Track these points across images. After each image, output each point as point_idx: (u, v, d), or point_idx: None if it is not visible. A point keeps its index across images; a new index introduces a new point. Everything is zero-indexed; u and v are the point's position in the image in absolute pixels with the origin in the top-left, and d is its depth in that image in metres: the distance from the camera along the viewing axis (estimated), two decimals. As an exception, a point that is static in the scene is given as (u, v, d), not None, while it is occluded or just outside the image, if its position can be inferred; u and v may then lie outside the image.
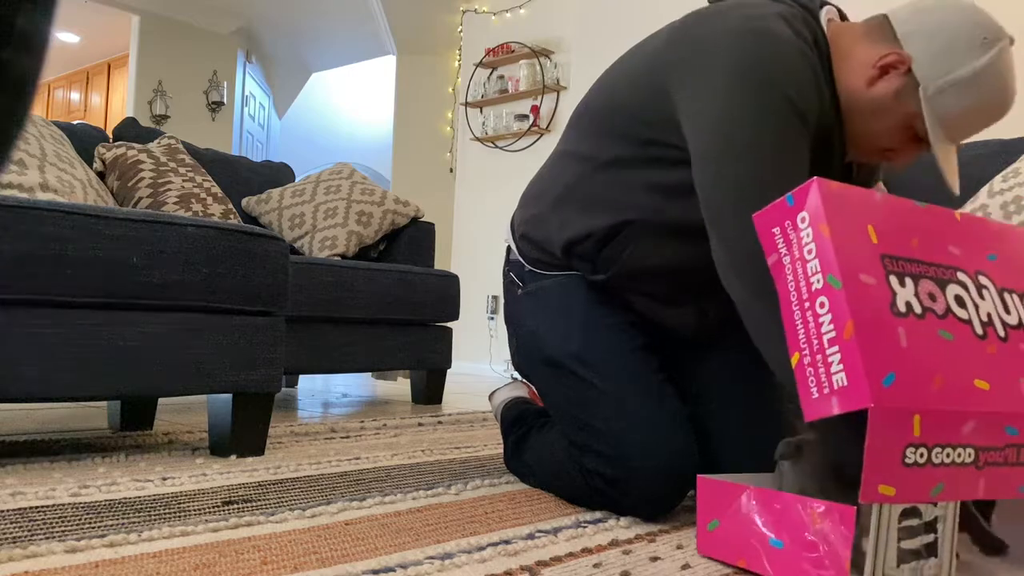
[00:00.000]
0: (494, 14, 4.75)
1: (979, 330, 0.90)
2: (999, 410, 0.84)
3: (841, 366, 0.80)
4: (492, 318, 4.56)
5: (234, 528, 1.03)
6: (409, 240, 2.93)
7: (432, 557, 0.94)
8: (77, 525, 1.00)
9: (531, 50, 4.39)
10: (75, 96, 7.32)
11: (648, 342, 1.27)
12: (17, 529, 0.97)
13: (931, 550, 0.85)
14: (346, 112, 8.23)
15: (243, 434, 1.55)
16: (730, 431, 1.24)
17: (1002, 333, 0.92)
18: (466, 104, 4.80)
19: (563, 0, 4.39)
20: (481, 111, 4.77)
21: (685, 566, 0.95)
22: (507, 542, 1.01)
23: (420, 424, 2.20)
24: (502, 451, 1.60)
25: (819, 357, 0.82)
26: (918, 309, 0.86)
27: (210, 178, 2.58)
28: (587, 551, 0.99)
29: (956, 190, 1.09)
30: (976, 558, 0.99)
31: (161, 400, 2.51)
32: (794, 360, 0.85)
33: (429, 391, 2.76)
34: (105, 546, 0.92)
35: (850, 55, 1.10)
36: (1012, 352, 0.92)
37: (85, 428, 1.88)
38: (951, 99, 1.03)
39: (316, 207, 2.76)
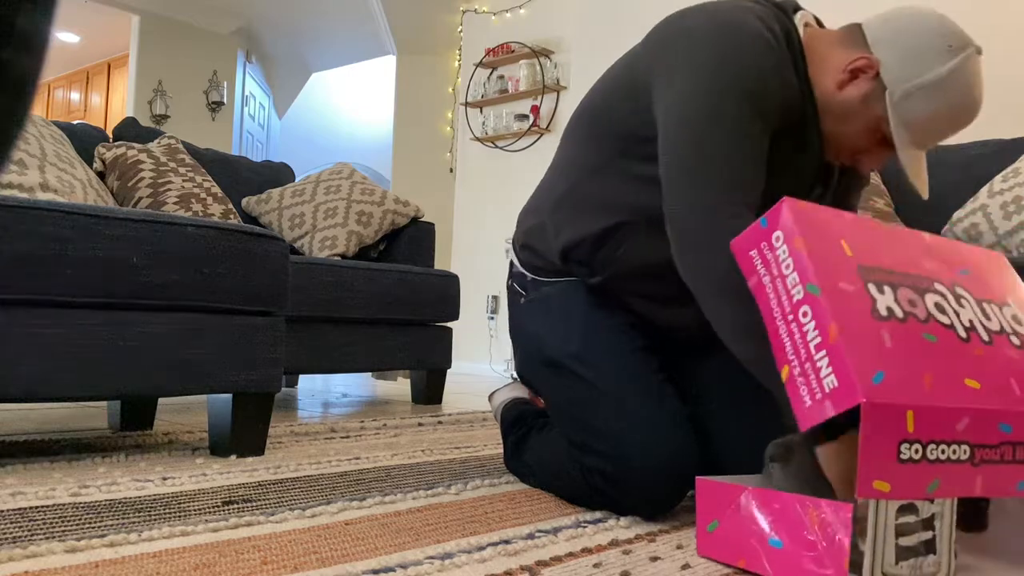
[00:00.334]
0: (494, 14, 4.75)
1: (963, 334, 0.92)
2: (992, 407, 0.84)
3: (830, 369, 0.80)
4: (492, 318, 4.56)
5: (234, 528, 1.03)
6: (409, 240, 2.93)
7: (432, 557, 0.94)
8: (77, 525, 1.01)
9: (531, 50, 4.39)
10: (75, 96, 7.32)
11: (648, 343, 1.27)
12: (17, 529, 0.97)
13: (929, 547, 0.85)
14: (346, 112, 8.23)
15: (243, 434, 1.55)
16: (731, 431, 1.24)
17: (986, 338, 0.93)
18: (466, 104, 4.80)
19: (563, 0, 4.39)
20: (481, 111, 4.77)
21: (685, 566, 0.95)
22: (507, 542, 1.01)
23: (420, 424, 2.21)
24: (502, 451, 1.60)
25: (808, 365, 0.83)
26: (900, 313, 0.88)
27: (210, 178, 2.58)
28: (587, 551, 0.99)
29: (924, 194, 1.12)
30: (976, 558, 0.99)
31: (161, 400, 2.51)
32: (784, 374, 0.86)
33: (429, 391, 2.77)
34: (105, 546, 0.92)
35: (823, 59, 1.13)
36: (999, 354, 0.92)
37: (85, 428, 1.88)
38: (917, 104, 1.06)
39: (316, 207, 2.76)
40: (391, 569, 0.88)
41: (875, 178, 2.25)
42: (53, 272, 1.28)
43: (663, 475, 1.14)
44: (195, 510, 1.11)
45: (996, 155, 2.20)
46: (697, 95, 1.08)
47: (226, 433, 1.54)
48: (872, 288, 0.88)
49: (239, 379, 1.50)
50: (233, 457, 1.53)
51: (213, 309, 1.48)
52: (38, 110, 7.54)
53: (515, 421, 1.49)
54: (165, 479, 1.30)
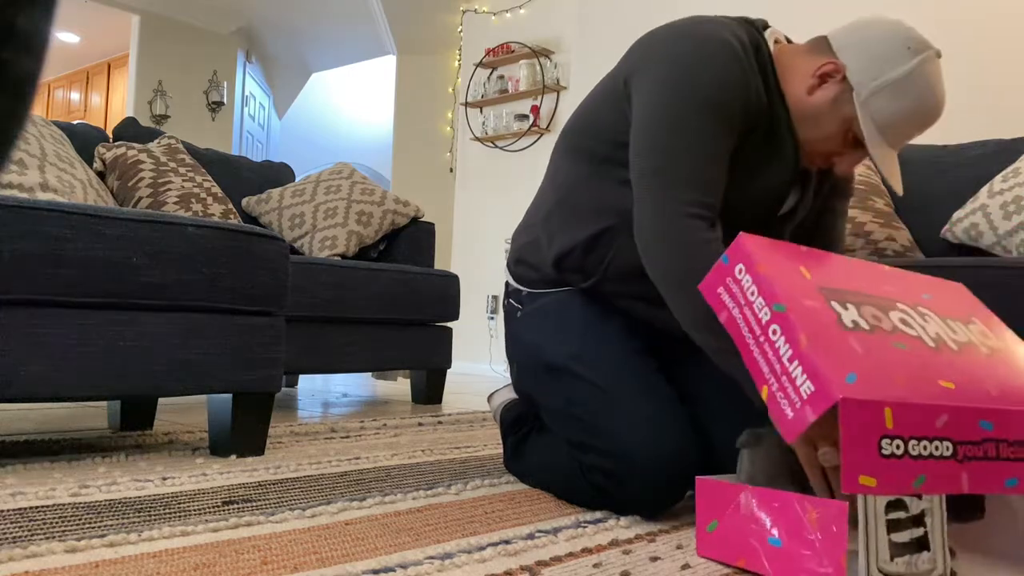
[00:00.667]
0: (494, 14, 4.75)
1: (931, 343, 0.95)
2: (971, 405, 0.86)
3: (805, 376, 0.83)
4: (492, 318, 4.56)
5: (234, 528, 1.03)
6: (409, 240, 2.93)
7: (432, 557, 0.94)
8: (77, 525, 1.01)
9: (531, 50, 4.39)
10: (75, 96, 7.32)
11: (645, 345, 1.29)
12: (17, 529, 0.97)
13: (922, 544, 0.86)
14: (346, 112, 8.23)
15: (243, 434, 1.55)
16: (730, 431, 1.24)
17: (955, 347, 0.96)
18: (466, 104, 4.80)
19: (563, 0, 4.39)
20: (481, 111, 4.77)
21: (685, 566, 0.95)
22: (507, 542, 1.02)
23: (420, 424, 2.21)
24: (502, 451, 1.60)
25: (784, 379, 0.86)
26: (866, 326, 0.92)
27: (210, 178, 2.58)
28: (587, 551, 0.99)
29: (899, 191, 1.17)
30: (975, 557, 0.99)
31: (161, 400, 2.51)
32: (764, 393, 0.88)
33: (429, 391, 2.77)
34: (105, 546, 0.92)
35: (793, 68, 1.20)
36: (970, 360, 0.95)
37: (85, 428, 1.88)
38: (883, 101, 1.11)
39: (316, 207, 2.76)
40: (391, 569, 0.88)
41: (875, 178, 2.25)
42: (53, 272, 1.28)
43: (664, 472, 1.14)
44: (195, 510, 1.11)
45: (996, 155, 2.20)
46: (661, 104, 1.15)
47: (226, 433, 1.54)
48: (836, 304, 0.93)
49: (239, 379, 1.50)
50: (233, 457, 1.53)
51: (213, 309, 1.48)
52: (38, 110, 7.54)
53: (515, 422, 1.50)
54: (165, 479, 1.30)
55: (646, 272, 1.23)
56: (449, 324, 2.77)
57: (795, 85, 1.18)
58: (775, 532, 0.91)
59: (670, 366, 1.31)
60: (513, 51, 4.49)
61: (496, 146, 4.65)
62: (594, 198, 1.27)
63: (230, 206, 2.53)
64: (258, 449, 1.57)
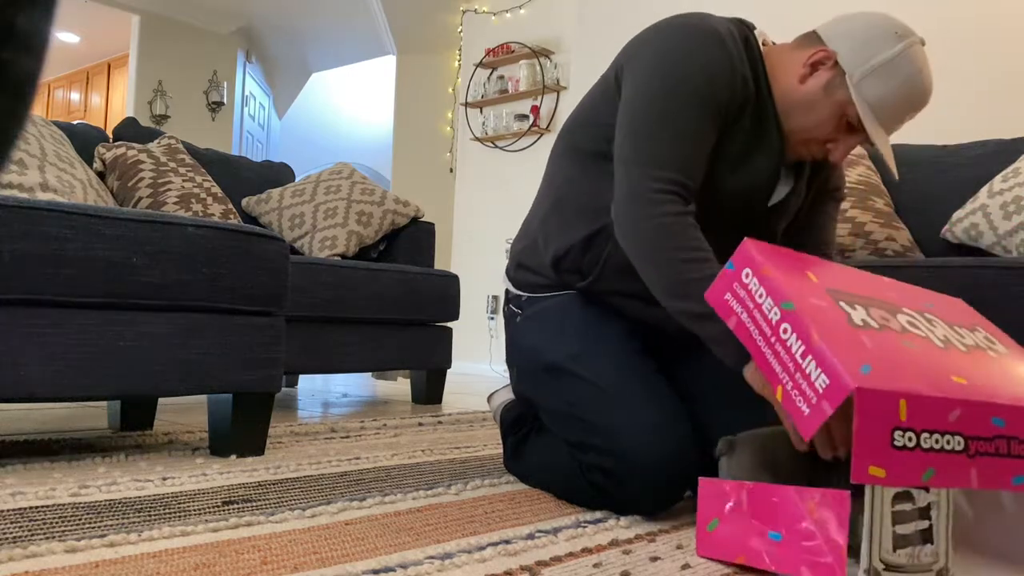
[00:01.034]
0: (494, 14, 4.75)
1: (940, 344, 0.95)
2: (984, 400, 0.86)
3: (819, 370, 0.83)
4: (492, 318, 4.56)
5: (234, 528, 1.03)
6: (409, 240, 2.92)
7: (432, 557, 0.94)
8: (77, 525, 1.01)
9: (531, 50, 4.39)
10: (75, 96, 7.32)
11: (646, 346, 1.30)
12: (17, 529, 0.97)
13: (926, 536, 0.86)
14: (346, 112, 8.23)
15: (243, 434, 1.55)
16: (731, 431, 1.24)
17: (963, 349, 0.96)
18: (466, 104, 4.80)
19: (563, 0, 4.39)
20: (481, 111, 4.77)
21: (685, 566, 0.95)
22: (507, 542, 1.02)
23: (420, 424, 2.21)
24: (502, 452, 1.60)
25: (798, 376, 0.86)
26: (875, 324, 0.92)
27: (210, 178, 2.58)
28: (587, 551, 0.99)
29: (896, 175, 1.21)
30: (974, 556, 0.99)
31: (161, 400, 2.51)
32: (779, 394, 0.88)
33: (429, 391, 2.76)
34: (105, 546, 0.92)
35: (783, 62, 1.23)
36: (979, 361, 0.95)
37: (85, 428, 1.88)
38: (876, 82, 1.14)
39: (316, 207, 2.76)
40: (391, 569, 0.88)
41: (875, 178, 2.25)
42: (53, 272, 1.28)
43: (664, 472, 1.14)
44: (195, 510, 1.11)
45: (996, 155, 2.20)
46: (646, 92, 1.18)
47: (226, 433, 1.54)
48: (844, 305, 0.94)
49: (239, 379, 1.50)
50: (233, 457, 1.53)
51: (213, 309, 1.48)
52: (38, 110, 7.54)
53: (515, 422, 1.50)
54: (165, 479, 1.30)
55: None
56: (449, 324, 2.77)
57: (786, 77, 1.21)
58: (775, 526, 0.91)
59: (670, 366, 1.31)
60: (513, 51, 4.48)
61: (496, 146, 4.65)
62: (591, 197, 1.27)
63: (230, 206, 2.53)
64: (258, 449, 1.57)
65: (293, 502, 1.19)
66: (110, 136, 2.60)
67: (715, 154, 1.20)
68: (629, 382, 1.21)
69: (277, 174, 3.06)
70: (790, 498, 0.90)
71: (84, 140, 2.45)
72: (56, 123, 2.31)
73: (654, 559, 0.97)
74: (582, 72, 4.24)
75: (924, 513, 0.86)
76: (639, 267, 1.16)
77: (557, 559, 0.95)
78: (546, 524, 1.13)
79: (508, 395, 1.61)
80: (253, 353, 1.52)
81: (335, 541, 0.99)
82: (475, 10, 4.88)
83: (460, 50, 5.01)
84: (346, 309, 2.36)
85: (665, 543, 1.05)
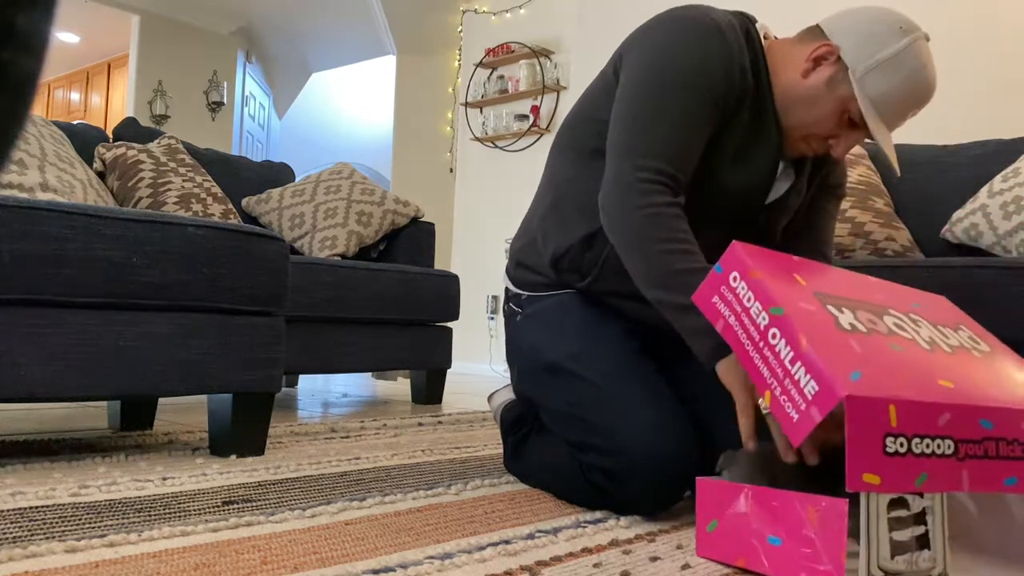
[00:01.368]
0: (494, 14, 4.75)
1: (926, 346, 0.96)
2: (972, 403, 0.86)
3: (808, 376, 0.83)
4: (492, 318, 4.56)
5: (234, 528, 1.03)
6: (409, 240, 2.92)
7: (432, 557, 0.94)
8: (77, 525, 1.01)
9: (531, 50, 4.39)
10: (75, 96, 7.32)
11: (645, 346, 1.29)
12: (17, 529, 0.97)
13: (923, 542, 0.86)
14: (346, 112, 8.23)
15: (243, 434, 1.55)
16: (729, 431, 1.24)
17: (948, 350, 0.97)
18: (466, 104, 4.80)
19: (563, 0, 4.39)
20: (481, 111, 4.77)
21: (685, 566, 0.95)
22: (507, 542, 1.02)
23: (420, 424, 2.21)
24: (502, 452, 1.60)
25: (787, 381, 0.86)
26: (863, 328, 0.92)
27: (210, 178, 2.58)
28: (587, 551, 0.99)
29: (898, 171, 1.20)
30: (973, 558, 0.99)
31: (161, 400, 2.51)
32: (767, 400, 0.88)
33: (429, 391, 2.76)
34: (105, 546, 0.92)
35: (785, 57, 1.22)
36: (964, 362, 0.95)
37: (85, 428, 1.88)
38: (878, 79, 1.13)
39: (316, 207, 2.76)
40: (391, 569, 0.88)
41: (875, 178, 2.25)
42: (53, 272, 1.28)
43: (664, 472, 1.14)
44: (195, 510, 1.11)
45: (996, 155, 2.20)
46: (641, 84, 1.18)
47: (226, 433, 1.54)
48: (832, 308, 0.93)
49: (239, 379, 1.50)
50: (233, 457, 1.53)
51: (213, 309, 1.48)
52: (38, 110, 7.54)
53: (515, 422, 1.50)
54: (165, 479, 1.30)
55: None
56: (449, 324, 2.77)
57: (788, 72, 1.20)
58: (774, 531, 0.91)
59: (670, 366, 1.31)
60: (513, 51, 4.48)
61: (496, 146, 4.65)
62: (590, 196, 1.27)
63: (230, 206, 2.53)
64: (258, 449, 1.57)
65: (293, 502, 1.19)
66: (110, 136, 2.60)
67: (712, 149, 1.20)
68: (629, 382, 1.21)
69: (277, 174, 3.06)
70: (790, 504, 0.90)
71: (84, 140, 2.45)
72: (56, 123, 2.31)
73: (654, 559, 0.97)
74: (582, 72, 4.23)
75: (920, 518, 0.86)
76: (624, 256, 1.16)
77: (557, 559, 0.95)
78: (546, 524, 1.13)
79: (508, 395, 1.61)
80: (253, 353, 1.52)
81: (335, 541, 0.99)
82: (475, 10, 4.88)
83: (460, 50, 5.01)
84: (346, 309, 2.36)
85: (665, 543, 1.05)
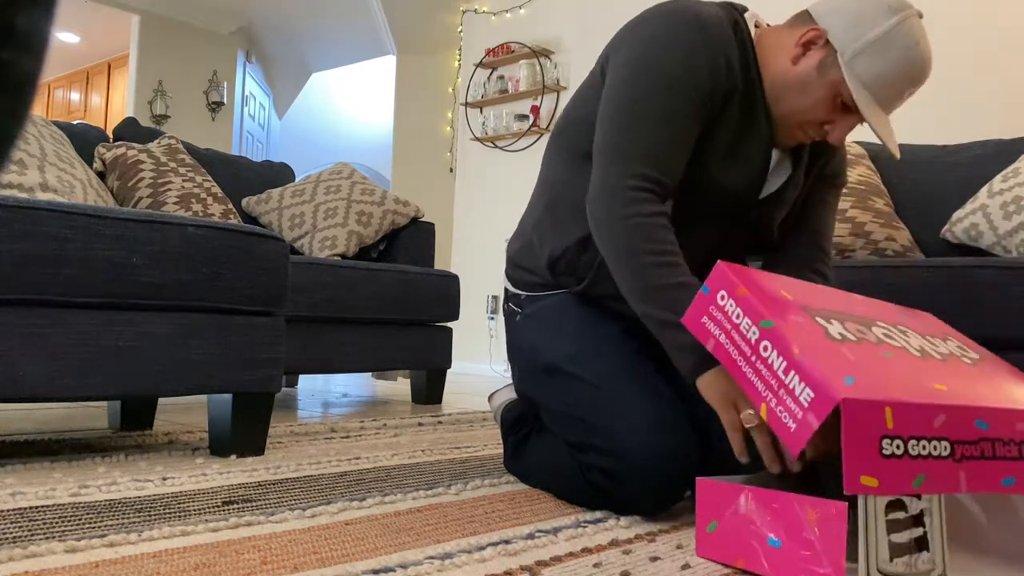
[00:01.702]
0: (494, 14, 4.75)
1: (916, 353, 0.96)
2: (967, 404, 0.86)
3: (803, 384, 0.83)
4: (492, 318, 4.56)
5: (234, 528, 1.03)
6: (409, 240, 2.92)
7: (432, 557, 0.94)
8: (77, 525, 1.01)
9: (531, 50, 4.39)
10: (75, 96, 7.32)
11: (645, 346, 1.28)
12: (17, 529, 0.97)
13: (921, 544, 0.86)
14: (346, 112, 8.23)
15: (243, 434, 1.55)
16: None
17: (939, 357, 0.98)
18: (466, 104, 4.80)
19: (563, 0, 4.39)
20: (481, 111, 4.77)
21: (685, 566, 0.95)
22: (507, 542, 1.02)
23: (420, 424, 2.21)
24: (502, 452, 1.60)
25: (782, 392, 0.86)
26: (853, 338, 0.93)
27: (210, 178, 2.58)
28: (587, 551, 0.99)
29: (896, 153, 1.16)
30: (974, 558, 0.99)
31: (161, 400, 2.51)
32: (763, 412, 0.89)
33: (429, 391, 2.76)
34: (105, 546, 0.92)
35: (775, 44, 1.20)
36: (955, 368, 0.96)
37: (85, 428, 1.88)
38: (868, 61, 1.11)
39: (316, 207, 2.76)
40: (391, 569, 0.88)
41: (875, 178, 2.25)
42: (53, 272, 1.28)
43: (663, 472, 1.14)
44: (195, 510, 1.11)
45: (996, 155, 2.20)
46: (626, 83, 1.17)
47: (226, 433, 1.54)
48: (820, 320, 0.94)
49: (239, 379, 1.50)
50: (233, 457, 1.53)
51: (213, 309, 1.48)
52: (38, 110, 7.54)
53: (515, 422, 1.50)
54: (165, 479, 1.30)
55: None
56: (449, 324, 2.77)
57: (778, 59, 1.19)
58: (774, 533, 0.91)
59: (669, 366, 1.30)
60: (513, 51, 4.48)
61: (496, 146, 4.65)
62: (583, 198, 1.26)
63: (230, 206, 2.53)
64: (258, 449, 1.57)
65: (293, 502, 1.19)
66: (110, 136, 2.60)
67: (703, 146, 1.19)
68: (628, 382, 1.21)
69: (277, 174, 3.06)
70: (790, 506, 0.90)
71: (84, 140, 2.45)
72: (56, 123, 2.31)
73: (654, 559, 0.97)
74: (582, 72, 4.23)
75: (918, 520, 0.86)
76: (610, 265, 1.16)
77: (557, 559, 0.95)
78: (546, 524, 1.13)
79: (509, 395, 1.61)
80: (253, 353, 1.52)
81: (335, 541, 0.99)
82: (475, 10, 4.88)
83: (460, 50, 5.01)
84: (346, 309, 2.36)
85: (665, 543, 1.05)
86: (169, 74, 6.01)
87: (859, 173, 2.24)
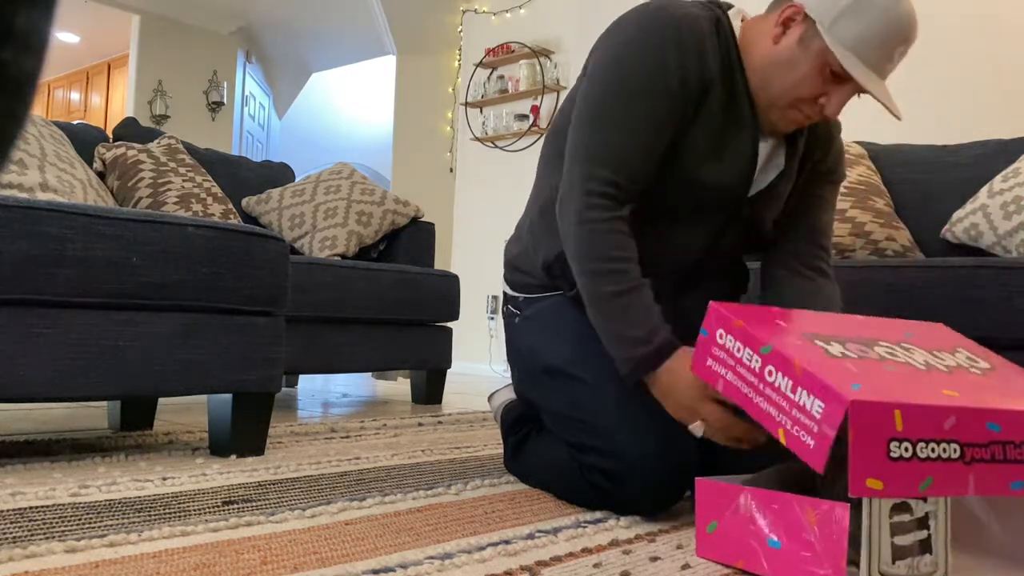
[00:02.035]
0: (494, 14, 4.75)
1: (922, 367, 0.96)
2: (978, 406, 0.86)
3: (812, 397, 0.83)
4: (492, 318, 4.56)
5: (234, 528, 1.03)
6: (409, 240, 2.92)
7: (432, 557, 0.94)
8: (77, 525, 1.00)
9: (531, 50, 4.39)
10: (75, 96, 7.32)
11: None
12: (17, 529, 0.97)
13: (925, 546, 0.86)
14: (346, 112, 8.22)
15: (243, 434, 1.55)
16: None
17: (945, 370, 0.98)
18: (466, 104, 4.80)
19: (563, 0, 4.39)
20: (481, 111, 4.77)
21: (685, 566, 0.95)
22: (507, 542, 1.01)
23: (420, 424, 2.20)
24: (502, 452, 1.60)
25: (795, 412, 0.86)
26: (854, 356, 0.93)
27: (210, 178, 2.58)
28: (587, 551, 0.99)
29: (898, 115, 1.14)
30: (976, 558, 0.99)
31: (161, 400, 2.51)
32: (781, 436, 0.88)
33: (429, 391, 2.76)
34: (105, 546, 0.92)
35: (757, 32, 1.21)
36: (963, 378, 0.95)
37: (85, 428, 1.88)
38: (849, 23, 1.10)
39: (316, 207, 2.76)
40: (391, 569, 0.88)
41: (875, 178, 2.25)
42: (53, 272, 1.28)
43: (663, 472, 1.14)
44: (195, 510, 1.11)
45: (996, 155, 2.20)
46: (598, 84, 1.19)
47: (226, 433, 1.54)
48: (820, 343, 0.94)
49: (239, 379, 1.50)
50: (233, 457, 1.53)
51: (213, 309, 1.48)
52: (38, 110, 7.53)
53: (515, 422, 1.50)
54: (165, 479, 1.30)
55: None
56: (449, 324, 2.77)
57: (761, 44, 1.19)
58: (774, 533, 0.91)
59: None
60: (513, 51, 4.48)
61: (496, 146, 4.65)
62: None
63: (230, 206, 2.53)
64: (258, 449, 1.57)
65: (293, 502, 1.19)
66: (110, 136, 2.60)
67: (685, 143, 1.19)
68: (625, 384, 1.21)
69: (277, 174, 3.06)
70: (790, 506, 0.90)
71: (84, 140, 2.45)
72: (56, 123, 2.31)
73: (654, 559, 0.97)
74: (582, 72, 4.23)
75: (922, 523, 0.86)
76: (571, 268, 1.19)
77: (557, 559, 0.95)
78: (546, 524, 1.13)
79: (509, 395, 1.61)
80: (253, 353, 1.52)
81: (335, 541, 0.99)
82: (475, 10, 4.88)
83: (460, 50, 5.01)
84: (346, 309, 2.36)
85: (665, 543, 1.05)
86: (169, 74, 6.01)
87: (859, 173, 2.24)
